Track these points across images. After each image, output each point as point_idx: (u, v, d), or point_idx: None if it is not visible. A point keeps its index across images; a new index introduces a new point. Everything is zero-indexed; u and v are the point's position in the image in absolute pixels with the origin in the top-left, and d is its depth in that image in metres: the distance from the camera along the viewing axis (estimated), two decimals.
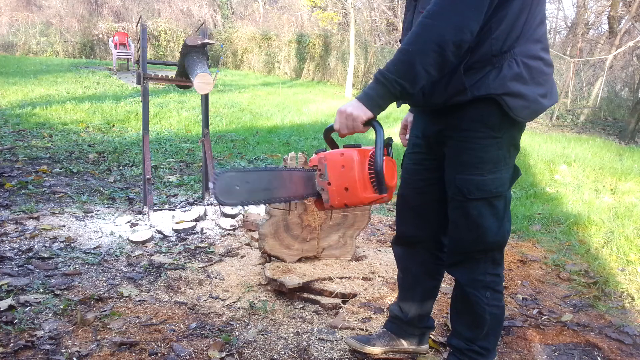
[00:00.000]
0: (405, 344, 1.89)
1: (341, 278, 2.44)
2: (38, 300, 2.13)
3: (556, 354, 2.02)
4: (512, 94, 1.42)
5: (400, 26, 15.98)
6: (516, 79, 1.42)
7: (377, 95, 1.42)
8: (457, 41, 1.33)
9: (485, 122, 1.47)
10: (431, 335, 2.07)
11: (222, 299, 2.30)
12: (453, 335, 1.73)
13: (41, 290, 2.22)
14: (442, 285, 2.55)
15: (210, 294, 2.33)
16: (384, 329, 1.93)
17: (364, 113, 1.43)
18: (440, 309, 2.31)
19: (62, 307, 2.08)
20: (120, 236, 2.94)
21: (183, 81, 3.43)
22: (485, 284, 1.62)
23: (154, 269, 2.55)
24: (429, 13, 1.35)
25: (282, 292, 2.32)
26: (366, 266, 2.64)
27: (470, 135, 1.48)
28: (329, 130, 1.57)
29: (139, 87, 3.68)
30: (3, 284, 2.22)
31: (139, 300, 2.22)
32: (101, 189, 3.90)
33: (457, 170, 1.52)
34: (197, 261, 2.70)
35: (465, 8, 1.33)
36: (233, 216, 3.34)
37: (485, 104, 1.45)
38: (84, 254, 2.65)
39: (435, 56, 1.34)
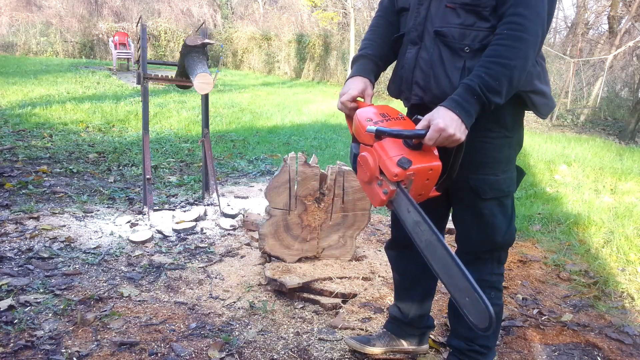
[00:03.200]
0: (405, 344, 1.89)
1: (341, 278, 2.44)
2: (38, 300, 2.13)
3: (556, 354, 2.02)
4: (537, 92, 1.47)
5: None
6: (538, 78, 1.47)
7: (474, 113, 1.35)
8: (536, 55, 1.39)
9: (500, 122, 1.49)
10: (431, 335, 2.07)
11: (222, 299, 2.30)
12: (453, 335, 1.73)
13: (41, 290, 2.22)
14: (443, 285, 2.56)
15: (210, 294, 2.33)
16: (384, 330, 1.93)
17: (463, 135, 1.33)
18: (440, 309, 2.31)
19: (62, 307, 2.08)
20: (120, 236, 2.94)
21: (183, 81, 3.43)
22: (491, 283, 1.64)
23: (154, 269, 2.55)
24: (524, 27, 1.32)
25: (282, 292, 2.32)
26: (366, 266, 2.64)
27: (486, 135, 1.49)
28: (405, 136, 1.36)
29: (139, 87, 3.68)
30: (3, 284, 2.22)
31: (139, 300, 2.22)
32: (101, 189, 3.90)
33: (470, 170, 1.51)
34: (197, 261, 2.70)
35: (544, 20, 1.36)
36: (233, 216, 3.34)
37: (503, 104, 1.44)
38: (84, 254, 2.65)
39: (525, 71, 1.36)
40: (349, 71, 1.69)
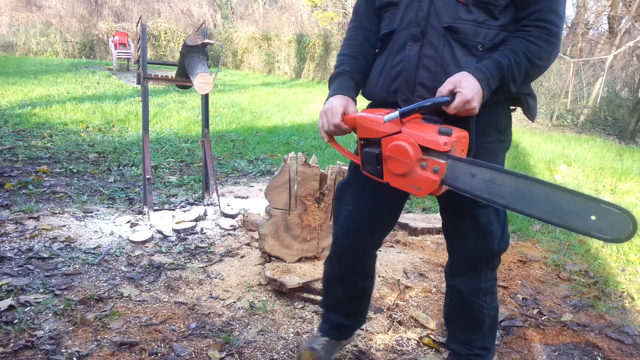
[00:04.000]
0: (342, 343, 1.87)
1: None
2: (38, 300, 2.13)
3: (556, 354, 2.02)
4: (531, 95, 1.46)
5: None
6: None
7: (492, 90, 1.32)
8: None
9: (496, 126, 1.46)
10: (431, 335, 2.07)
11: (222, 299, 2.30)
12: (452, 339, 1.72)
13: (41, 290, 2.22)
14: (443, 285, 2.56)
15: (210, 294, 2.33)
16: (328, 338, 1.79)
17: (478, 108, 1.30)
18: (440, 309, 2.31)
19: (62, 307, 2.08)
20: (120, 236, 2.94)
21: (183, 81, 3.43)
22: (486, 289, 1.62)
23: (154, 269, 2.55)
24: (555, 34, 1.34)
25: (282, 292, 2.32)
26: None
27: (483, 140, 1.41)
28: (428, 107, 1.29)
29: (139, 87, 3.68)
30: (3, 284, 2.22)
31: (139, 300, 2.22)
32: (101, 189, 3.90)
33: None
34: (197, 261, 2.69)
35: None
36: (233, 216, 3.34)
37: (497, 108, 1.43)
38: (84, 254, 2.65)
39: (541, 74, 1.42)
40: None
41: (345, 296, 1.74)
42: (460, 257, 1.61)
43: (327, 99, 1.50)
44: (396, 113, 1.30)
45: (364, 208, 1.59)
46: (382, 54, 1.51)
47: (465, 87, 1.26)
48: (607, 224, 1.08)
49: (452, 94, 1.28)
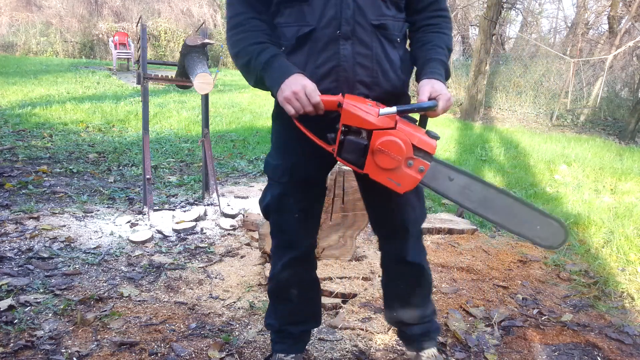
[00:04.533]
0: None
1: (341, 278, 2.44)
2: (38, 300, 2.13)
3: (556, 354, 2.02)
4: None
5: None
6: None
7: None
8: None
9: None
10: None
11: (222, 299, 2.30)
12: (411, 325, 1.75)
13: (41, 290, 2.22)
14: (443, 285, 2.56)
15: (210, 294, 2.33)
16: (294, 354, 1.74)
17: None
18: (440, 308, 2.31)
19: (62, 307, 2.08)
20: (120, 236, 2.94)
21: (183, 81, 3.43)
22: (425, 251, 1.74)
23: (154, 269, 2.55)
24: (450, 19, 1.53)
25: None
26: (366, 266, 2.64)
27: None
28: (425, 109, 1.37)
29: (139, 87, 3.68)
30: (3, 284, 2.22)
31: (139, 300, 2.22)
32: (101, 189, 3.90)
33: None
34: (197, 261, 2.69)
35: None
36: (233, 216, 3.34)
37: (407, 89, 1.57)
38: (84, 254, 2.65)
39: None
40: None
41: (303, 298, 1.71)
42: (412, 229, 1.64)
43: (286, 78, 1.36)
44: (393, 109, 1.32)
45: (309, 213, 1.62)
46: (298, 53, 1.44)
47: (442, 90, 1.38)
48: (548, 233, 1.33)
49: (432, 99, 1.38)
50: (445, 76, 1.46)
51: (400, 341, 1.92)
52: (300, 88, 1.34)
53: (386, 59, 1.45)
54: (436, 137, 1.34)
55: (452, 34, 1.53)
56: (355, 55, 1.41)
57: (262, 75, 1.42)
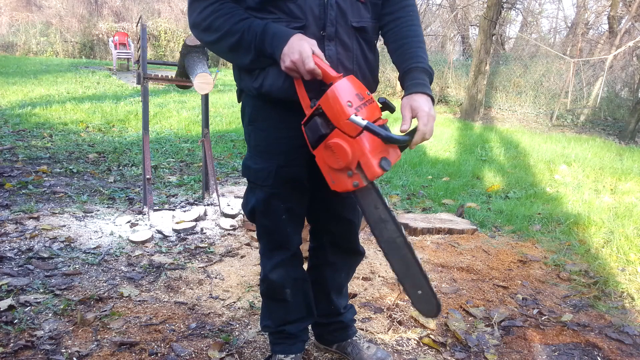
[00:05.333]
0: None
1: None
2: (38, 300, 2.13)
3: (556, 354, 2.02)
4: None
5: None
6: None
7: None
8: None
9: None
10: (431, 336, 2.07)
11: (222, 299, 2.30)
12: (343, 312, 1.85)
13: (41, 290, 2.22)
14: (443, 285, 2.56)
15: (210, 294, 2.33)
16: (293, 355, 1.75)
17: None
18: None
19: (62, 307, 2.08)
20: (120, 236, 2.94)
21: (183, 81, 3.43)
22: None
23: (154, 269, 2.55)
24: (417, 10, 1.53)
25: None
26: (366, 266, 2.64)
27: None
28: (394, 142, 1.33)
29: (139, 87, 3.68)
30: (3, 284, 2.22)
31: (139, 300, 2.22)
32: (101, 189, 3.90)
33: None
34: (197, 261, 2.70)
35: None
36: (233, 216, 3.34)
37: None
38: (84, 254, 2.65)
39: None
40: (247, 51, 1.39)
41: (296, 295, 1.71)
42: (350, 242, 1.75)
43: (285, 43, 1.32)
44: (363, 123, 1.28)
45: (294, 212, 1.62)
46: None
47: (420, 106, 1.36)
48: (425, 301, 1.41)
49: (414, 117, 1.37)
50: (429, 80, 1.43)
51: (402, 341, 1.92)
52: (297, 56, 1.30)
53: (364, 60, 1.49)
54: (384, 168, 1.31)
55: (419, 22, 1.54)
56: (338, 56, 1.43)
57: (260, 47, 1.36)
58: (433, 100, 1.41)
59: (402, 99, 1.42)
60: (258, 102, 1.50)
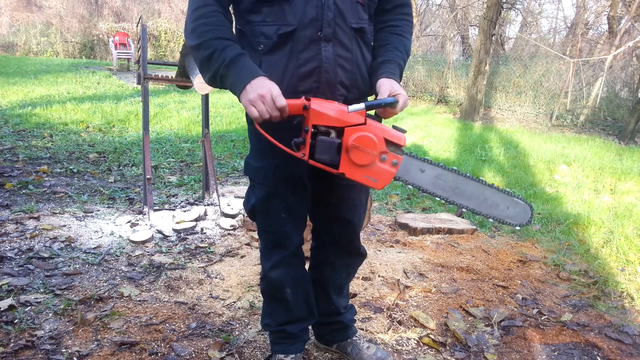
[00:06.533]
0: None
1: None
2: (38, 300, 2.13)
3: (556, 353, 2.02)
4: None
5: None
6: None
7: None
8: None
9: None
10: (431, 335, 2.07)
11: (222, 299, 2.30)
12: (343, 312, 1.86)
13: (41, 290, 2.22)
14: (443, 285, 2.56)
15: (211, 294, 2.34)
16: (293, 355, 1.74)
17: None
18: (440, 308, 2.32)
19: (62, 307, 2.08)
20: (120, 236, 2.95)
21: (183, 81, 3.43)
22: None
23: (154, 269, 2.55)
24: (413, 23, 1.59)
25: None
26: (366, 266, 2.64)
27: None
28: (389, 104, 1.40)
29: (139, 87, 3.69)
30: (3, 284, 2.23)
31: (139, 300, 2.22)
32: (101, 189, 3.90)
33: None
34: (197, 261, 2.70)
35: None
36: (233, 216, 3.34)
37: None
38: (84, 254, 2.66)
39: None
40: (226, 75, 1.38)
41: (297, 295, 1.70)
42: (352, 239, 1.75)
43: (252, 79, 1.33)
44: (361, 105, 1.34)
45: (294, 212, 1.61)
46: (279, 52, 1.42)
47: (400, 90, 1.42)
48: (516, 212, 1.48)
49: (392, 96, 1.42)
50: (400, 79, 1.51)
51: (402, 341, 1.92)
52: (266, 91, 1.31)
53: (363, 62, 1.51)
54: (403, 131, 1.37)
55: (411, 36, 1.59)
56: (336, 57, 1.43)
57: (224, 73, 1.36)
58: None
59: (374, 79, 1.49)
60: None
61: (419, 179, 1.45)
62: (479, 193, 1.47)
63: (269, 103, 1.31)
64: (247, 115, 1.60)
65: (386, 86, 1.42)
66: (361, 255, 1.82)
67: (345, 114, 1.33)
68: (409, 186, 1.50)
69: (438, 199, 1.49)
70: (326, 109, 1.33)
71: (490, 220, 1.54)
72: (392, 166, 1.36)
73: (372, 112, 1.42)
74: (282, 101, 1.32)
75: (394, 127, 1.39)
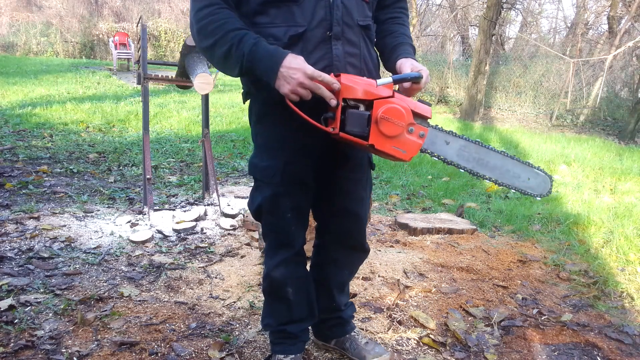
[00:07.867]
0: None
1: None
2: (38, 300, 2.13)
3: (556, 353, 2.02)
4: None
5: None
6: None
7: None
8: None
9: None
10: (431, 335, 2.07)
11: (222, 299, 2.30)
12: (343, 309, 1.87)
13: (41, 290, 2.22)
14: (442, 285, 2.56)
15: (211, 294, 2.34)
16: (293, 355, 1.74)
17: None
18: (440, 308, 2.32)
19: (62, 307, 2.08)
20: (120, 236, 2.95)
21: (183, 81, 3.43)
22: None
23: (154, 269, 2.55)
24: (407, 8, 1.67)
25: None
26: (366, 266, 2.64)
27: None
28: (415, 78, 1.46)
29: (139, 87, 3.69)
30: (3, 284, 2.23)
31: (139, 300, 2.22)
32: (101, 189, 3.90)
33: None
34: (197, 261, 2.70)
35: None
36: (233, 216, 3.34)
37: None
38: (84, 254, 2.66)
39: None
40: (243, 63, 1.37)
41: (298, 294, 1.70)
42: (358, 235, 1.75)
43: (279, 66, 1.32)
44: (389, 79, 1.40)
45: (300, 212, 1.62)
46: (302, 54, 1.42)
47: (420, 66, 1.49)
48: (536, 183, 1.54)
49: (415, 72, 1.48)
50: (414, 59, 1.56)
51: (402, 341, 1.92)
52: (299, 66, 1.31)
53: (370, 58, 1.54)
54: (429, 104, 1.43)
55: (412, 38, 1.67)
56: (345, 55, 1.46)
57: (249, 66, 1.35)
58: None
59: (392, 62, 1.56)
60: (265, 101, 1.52)
61: (445, 151, 1.50)
62: (502, 164, 1.52)
63: (310, 86, 1.33)
64: (249, 115, 1.61)
65: (407, 64, 1.48)
66: (365, 251, 1.82)
67: (374, 86, 1.37)
68: (434, 158, 1.53)
69: (462, 170, 1.53)
70: (356, 83, 1.38)
71: (512, 191, 1.59)
72: (419, 137, 1.40)
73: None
74: (326, 76, 1.34)
75: (419, 100, 1.43)
